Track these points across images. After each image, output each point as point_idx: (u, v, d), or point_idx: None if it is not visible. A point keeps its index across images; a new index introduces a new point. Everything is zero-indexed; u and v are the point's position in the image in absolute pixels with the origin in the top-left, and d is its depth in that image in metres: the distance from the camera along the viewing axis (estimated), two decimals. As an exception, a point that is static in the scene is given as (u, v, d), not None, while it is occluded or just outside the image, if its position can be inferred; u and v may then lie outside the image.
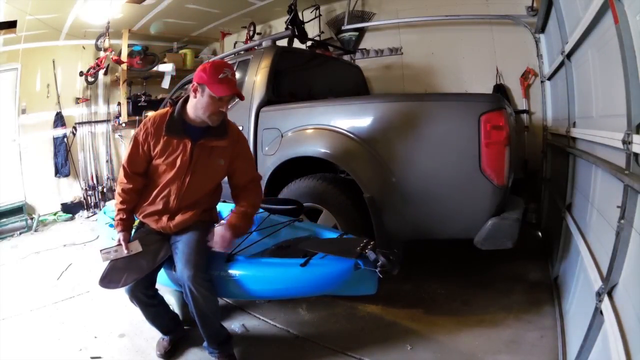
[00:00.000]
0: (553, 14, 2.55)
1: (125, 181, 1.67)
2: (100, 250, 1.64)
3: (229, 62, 2.92)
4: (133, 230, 1.72)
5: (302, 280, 1.49)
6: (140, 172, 1.68)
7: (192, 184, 1.63)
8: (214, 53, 5.67)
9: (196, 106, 1.58)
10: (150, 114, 1.72)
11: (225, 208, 2.09)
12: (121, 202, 1.68)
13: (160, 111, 1.67)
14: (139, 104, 4.86)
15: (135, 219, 1.75)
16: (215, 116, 1.57)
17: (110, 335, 1.94)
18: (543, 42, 3.27)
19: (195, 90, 1.56)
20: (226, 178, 1.77)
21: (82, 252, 3.31)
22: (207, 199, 1.73)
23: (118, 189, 1.70)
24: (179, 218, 1.64)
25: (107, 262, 1.59)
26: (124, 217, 1.67)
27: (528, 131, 3.49)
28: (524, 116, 3.50)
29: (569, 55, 2.22)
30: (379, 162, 1.98)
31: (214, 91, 1.51)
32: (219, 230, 1.62)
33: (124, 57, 4.78)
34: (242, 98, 1.63)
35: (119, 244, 1.63)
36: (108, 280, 1.53)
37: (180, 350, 1.78)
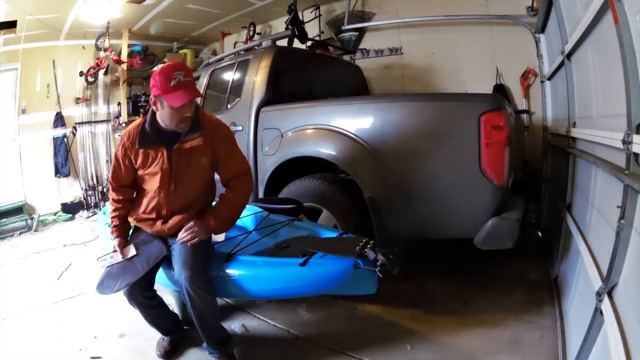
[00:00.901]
0: (553, 14, 2.55)
1: (114, 194, 1.69)
2: (98, 259, 1.67)
3: (229, 62, 2.93)
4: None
5: (301, 280, 1.48)
6: (127, 185, 1.69)
7: (178, 189, 1.61)
8: (214, 53, 5.67)
9: (161, 118, 1.53)
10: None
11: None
12: (114, 210, 1.70)
13: (134, 123, 1.64)
14: (139, 104, 4.86)
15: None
16: (183, 123, 1.52)
17: (110, 335, 1.94)
18: (543, 42, 3.26)
19: (154, 104, 1.51)
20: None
21: (82, 252, 3.31)
22: (200, 200, 1.71)
23: (110, 200, 1.73)
24: (172, 221, 1.64)
25: (104, 269, 1.61)
26: (118, 223, 1.70)
27: (528, 131, 3.48)
28: (524, 116, 3.50)
29: (569, 55, 2.22)
30: (379, 162, 1.98)
31: (170, 102, 1.44)
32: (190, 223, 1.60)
33: (124, 57, 4.78)
34: (203, 97, 1.57)
35: (115, 250, 1.65)
36: (104, 286, 1.54)
37: (180, 350, 1.78)
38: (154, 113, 1.57)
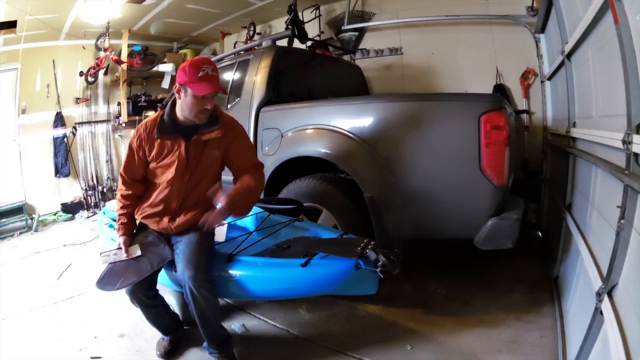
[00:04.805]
0: (553, 14, 2.55)
1: (124, 188, 1.69)
2: (100, 253, 1.66)
3: (229, 62, 2.93)
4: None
5: (302, 281, 1.49)
6: (139, 179, 1.69)
7: (192, 181, 1.63)
8: (214, 53, 5.67)
9: (182, 107, 1.58)
10: (151, 113, 1.73)
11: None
12: (122, 207, 1.70)
13: (151, 116, 1.68)
14: (139, 104, 4.87)
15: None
16: (202, 114, 1.56)
17: (110, 335, 1.94)
18: (543, 42, 3.27)
19: (178, 92, 1.56)
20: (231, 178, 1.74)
21: (82, 252, 3.31)
22: (208, 199, 1.72)
23: (118, 195, 1.73)
24: (180, 219, 1.64)
25: (106, 265, 1.60)
26: (125, 221, 1.69)
27: (528, 131, 3.48)
28: (524, 116, 3.50)
29: (569, 55, 2.22)
30: (379, 162, 1.98)
31: (195, 91, 1.50)
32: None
33: (124, 57, 4.77)
34: (225, 92, 1.59)
35: (119, 248, 1.64)
36: (105, 282, 1.54)
37: (180, 350, 1.78)
38: (172, 106, 1.62)
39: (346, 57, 4.08)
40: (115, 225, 1.74)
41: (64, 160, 4.69)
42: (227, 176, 1.76)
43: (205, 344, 1.68)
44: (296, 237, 1.84)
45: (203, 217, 1.54)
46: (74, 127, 4.85)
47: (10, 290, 2.54)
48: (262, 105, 2.49)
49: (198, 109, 1.54)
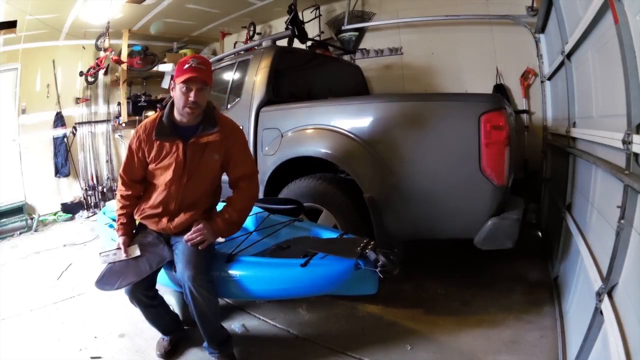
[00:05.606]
0: (553, 14, 2.55)
1: (123, 189, 1.69)
2: (100, 253, 1.66)
3: (229, 62, 2.93)
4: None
5: (302, 281, 1.49)
6: (138, 179, 1.69)
7: (190, 184, 1.63)
8: (214, 53, 5.67)
9: (175, 104, 1.59)
10: (151, 113, 1.73)
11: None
12: (121, 208, 1.70)
13: (150, 117, 1.68)
14: (139, 104, 4.87)
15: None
16: (190, 110, 1.54)
17: (110, 335, 1.94)
18: (543, 42, 3.27)
19: (172, 89, 1.59)
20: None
21: (82, 252, 3.31)
22: (207, 199, 1.72)
23: (118, 196, 1.73)
24: (178, 219, 1.64)
25: (105, 265, 1.60)
26: (125, 221, 1.70)
27: (528, 131, 3.49)
28: (524, 116, 3.50)
29: (569, 55, 2.22)
30: (379, 162, 1.98)
31: (177, 80, 1.52)
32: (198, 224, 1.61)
33: (124, 57, 4.78)
34: (207, 83, 1.57)
35: (118, 248, 1.64)
36: (104, 282, 1.54)
37: (180, 350, 1.78)
38: (171, 107, 1.62)
39: (346, 57, 4.08)
40: (115, 225, 1.74)
41: (64, 160, 4.69)
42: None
43: (205, 344, 1.68)
44: (296, 237, 1.84)
45: (193, 234, 1.58)
46: (74, 127, 4.85)
47: (10, 290, 2.54)
48: (262, 105, 2.49)
49: (184, 101, 1.53)
